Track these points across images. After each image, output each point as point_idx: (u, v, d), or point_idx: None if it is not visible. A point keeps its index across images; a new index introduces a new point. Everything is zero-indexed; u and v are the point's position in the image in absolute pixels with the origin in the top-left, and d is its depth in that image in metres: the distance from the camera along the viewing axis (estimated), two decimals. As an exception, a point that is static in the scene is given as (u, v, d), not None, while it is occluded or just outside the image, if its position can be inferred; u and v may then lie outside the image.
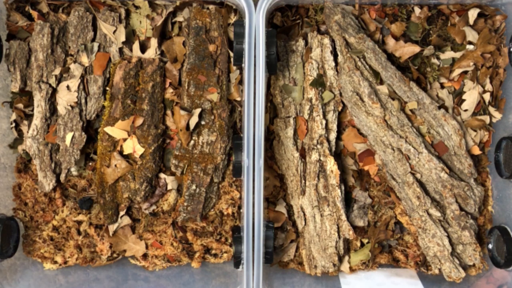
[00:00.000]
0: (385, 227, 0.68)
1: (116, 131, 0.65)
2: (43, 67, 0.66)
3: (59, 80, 0.67)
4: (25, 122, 0.68)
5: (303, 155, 0.66)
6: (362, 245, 0.69)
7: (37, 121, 0.66)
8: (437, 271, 0.66)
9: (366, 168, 0.68)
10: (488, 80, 0.67)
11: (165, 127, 0.67)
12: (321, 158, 0.65)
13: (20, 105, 0.67)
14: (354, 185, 0.69)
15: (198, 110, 0.65)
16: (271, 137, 0.68)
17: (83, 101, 0.66)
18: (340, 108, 0.67)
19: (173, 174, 0.67)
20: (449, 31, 0.67)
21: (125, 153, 0.65)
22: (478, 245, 0.65)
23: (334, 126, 0.66)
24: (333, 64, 0.66)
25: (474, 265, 0.66)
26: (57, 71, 0.66)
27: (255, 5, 0.59)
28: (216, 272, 0.69)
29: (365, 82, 0.64)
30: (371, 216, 0.68)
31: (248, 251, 0.59)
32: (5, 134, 0.68)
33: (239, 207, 0.68)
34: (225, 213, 0.68)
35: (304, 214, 0.66)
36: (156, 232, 0.68)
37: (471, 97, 0.67)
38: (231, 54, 0.66)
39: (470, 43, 0.67)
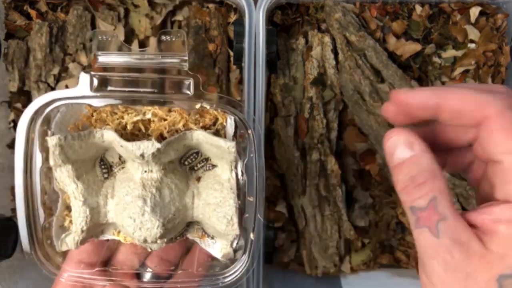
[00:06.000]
0: (387, 227, 0.68)
1: (115, 130, 0.64)
2: (41, 66, 0.65)
3: (58, 79, 0.66)
4: (24, 122, 0.67)
5: (303, 154, 0.65)
6: (363, 245, 0.68)
7: (35, 120, 0.65)
8: (438, 271, 0.66)
9: (367, 167, 0.67)
10: (490, 79, 0.67)
11: (164, 127, 0.67)
12: (322, 158, 0.64)
13: (19, 105, 0.67)
14: (355, 184, 0.68)
15: (198, 110, 0.65)
16: (271, 136, 0.68)
17: (82, 100, 0.66)
18: (341, 107, 0.66)
19: (172, 174, 0.67)
20: (451, 30, 0.67)
21: (125, 152, 0.65)
22: (480, 245, 0.64)
23: (335, 125, 0.66)
24: (334, 62, 0.65)
25: (476, 265, 0.66)
26: (55, 71, 0.66)
27: (255, 3, 0.59)
28: (216, 273, 0.69)
29: (366, 81, 0.63)
30: (372, 216, 0.68)
31: (248, 251, 0.59)
32: (3, 134, 0.67)
33: (239, 207, 0.68)
34: (225, 213, 0.68)
35: (305, 214, 0.65)
36: (156, 232, 0.68)
37: (472, 96, 0.66)
38: (231, 53, 0.66)
39: (471, 41, 0.67)
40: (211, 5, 0.66)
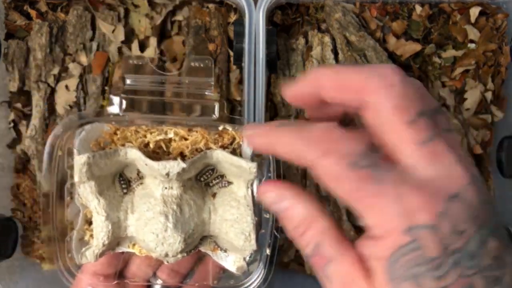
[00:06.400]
0: (387, 227, 0.68)
1: (115, 130, 0.64)
2: (41, 66, 0.65)
3: (58, 79, 0.66)
4: (24, 122, 0.67)
5: (303, 154, 0.65)
6: (363, 245, 0.68)
7: (35, 121, 0.65)
8: (439, 272, 0.65)
9: (367, 167, 0.67)
10: (490, 79, 0.67)
11: (164, 127, 0.67)
12: (322, 158, 0.64)
13: (19, 105, 0.67)
14: (355, 184, 0.68)
15: (198, 110, 0.65)
16: (271, 136, 0.68)
17: (81, 100, 0.66)
18: (341, 107, 0.66)
19: (172, 174, 0.67)
20: (451, 30, 0.67)
21: (125, 152, 0.65)
22: (480, 245, 0.64)
23: (335, 125, 0.66)
24: (334, 62, 0.65)
25: (476, 265, 0.66)
26: (55, 71, 0.66)
27: (255, 3, 0.59)
28: (216, 273, 0.69)
29: (366, 81, 0.63)
30: (372, 216, 0.68)
31: (248, 252, 0.59)
32: (3, 134, 0.67)
33: (239, 207, 0.68)
34: (225, 213, 0.68)
35: (305, 214, 0.65)
36: (156, 232, 0.68)
37: (472, 96, 0.66)
38: (231, 53, 0.66)
39: (471, 41, 0.67)
40: (211, 5, 0.66)
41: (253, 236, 0.43)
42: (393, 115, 0.27)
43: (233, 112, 0.67)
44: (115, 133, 0.43)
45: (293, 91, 0.33)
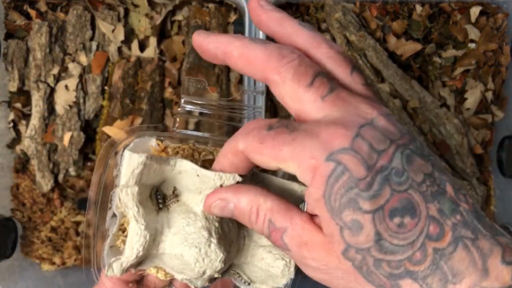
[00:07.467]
0: (387, 227, 0.68)
1: (114, 130, 0.64)
2: (41, 66, 0.65)
3: (57, 79, 0.66)
4: (23, 122, 0.67)
5: (303, 154, 0.65)
6: (364, 245, 0.68)
7: (35, 121, 0.65)
8: (439, 272, 0.65)
9: (367, 167, 0.67)
10: (490, 79, 0.67)
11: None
12: (322, 158, 0.64)
13: (18, 105, 0.67)
14: (355, 184, 0.68)
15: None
16: (271, 136, 0.68)
17: (81, 100, 0.66)
18: (341, 107, 0.66)
19: (172, 174, 0.67)
20: (451, 29, 0.67)
21: (124, 153, 0.65)
22: (480, 245, 0.64)
23: (335, 125, 0.65)
24: (334, 62, 0.65)
25: (476, 265, 0.66)
26: (55, 71, 0.66)
27: (255, 3, 0.59)
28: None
29: (366, 81, 0.63)
30: (373, 216, 0.68)
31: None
32: (3, 134, 0.67)
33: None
34: (225, 213, 0.68)
35: (305, 214, 0.65)
36: (156, 232, 0.68)
37: (473, 96, 0.66)
38: (231, 53, 0.66)
39: (472, 41, 0.67)
40: (211, 5, 0.66)
41: (293, 263, 0.41)
42: (293, 84, 0.30)
43: (232, 112, 0.67)
44: (164, 151, 0.43)
45: (203, 46, 0.35)
